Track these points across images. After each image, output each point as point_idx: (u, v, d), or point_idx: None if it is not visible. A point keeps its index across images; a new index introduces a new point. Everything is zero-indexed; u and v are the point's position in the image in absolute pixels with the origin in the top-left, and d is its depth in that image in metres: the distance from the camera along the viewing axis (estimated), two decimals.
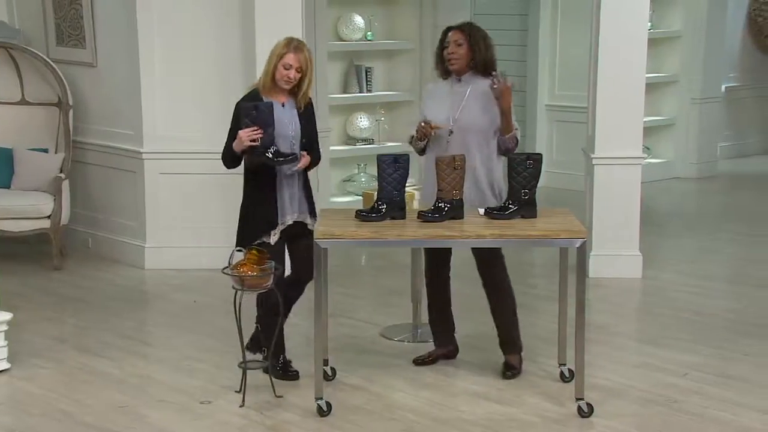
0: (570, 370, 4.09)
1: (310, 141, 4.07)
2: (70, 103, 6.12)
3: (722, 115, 9.04)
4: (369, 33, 7.18)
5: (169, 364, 4.40)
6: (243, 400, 3.94)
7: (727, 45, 9.00)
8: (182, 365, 4.38)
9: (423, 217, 3.91)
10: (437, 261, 4.28)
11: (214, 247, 5.69)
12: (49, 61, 6.19)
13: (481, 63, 4.11)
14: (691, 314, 5.05)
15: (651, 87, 7.67)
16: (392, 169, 3.91)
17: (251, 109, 3.87)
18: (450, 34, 4.15)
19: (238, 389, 3.99)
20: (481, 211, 4.00)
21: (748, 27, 9.49)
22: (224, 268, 3.92)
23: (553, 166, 7.99)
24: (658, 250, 6.17)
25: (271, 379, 4.00)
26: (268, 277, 3.88)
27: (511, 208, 3.92)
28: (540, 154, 4.01)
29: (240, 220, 4.08)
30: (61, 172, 6.02)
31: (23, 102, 6.29)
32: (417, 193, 5.02)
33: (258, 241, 3.96)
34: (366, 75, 7.21)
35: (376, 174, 3.99)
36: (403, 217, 3.94)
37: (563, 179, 7.86)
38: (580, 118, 6.09)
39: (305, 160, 4.02)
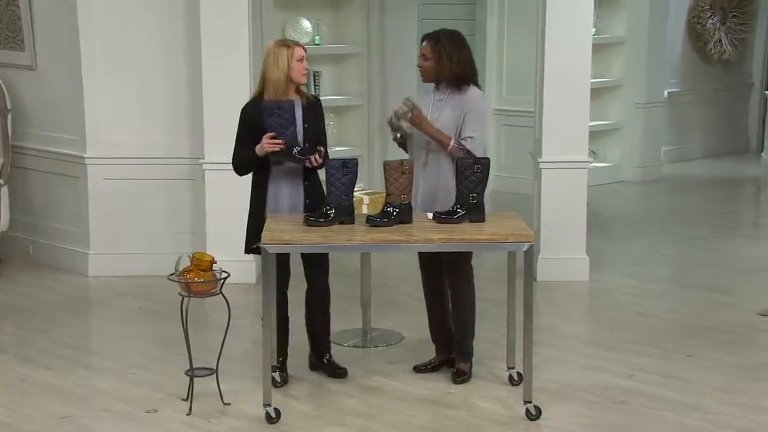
0: (518, 373, 4.13)
1: (317, 142, 4.06)
2: (9, 107, 5.98)
3: (665, 119, 9.24)
4: (317, 37, 7.17)
5: (113, 373, 4.33)
6: (190, 409, 3.89)
7: (669, 51, 9.21)
8: (127, 374, 4.31)
9: (371, 221, 3.91)
10: (429, 271, 4.26)
11: (159, 253, 5.61)
12: None
13: (449, 78, 4.07)
14: (636, 316, 5.14)
15: (596, 92, 7.80)
16: (341, 174, 3.91)
17: (274, 108, 3.93)
18: (423, 44, 4.12)
19: (185, 397, 3.94)
20: (430, 215, 4.02)
21: (687, 34, 9.72)
22: (170, 275, 3.87)
23: (501, 170, 8.07)
24: (604, 253, 6.27)
25: (218, 386, 3.96)
26: (215, 283, 3.84)
27: (459, 212, 3.95)
28: (488, 158, 4.04)
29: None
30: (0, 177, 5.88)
31: None
32: (366, 197, 5.02)
33: (254, 245, 3.98)
34: (314, 79, 7.19)
35: (325, 179, 3.98)
36: (352, 222, 3.94)
37: (511, 183, 7.93)
38: (527, 122, 6.16)
39: (321, 154, 4.00)
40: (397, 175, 3.91)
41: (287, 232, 3.84)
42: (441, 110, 4.11)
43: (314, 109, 4.14)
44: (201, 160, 5.61)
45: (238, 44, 5.50)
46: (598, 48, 7.67)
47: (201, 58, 5.52)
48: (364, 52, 7.35)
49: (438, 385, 4.17)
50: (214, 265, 3.86)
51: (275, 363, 4.14)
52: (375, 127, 7.50)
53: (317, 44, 7.16)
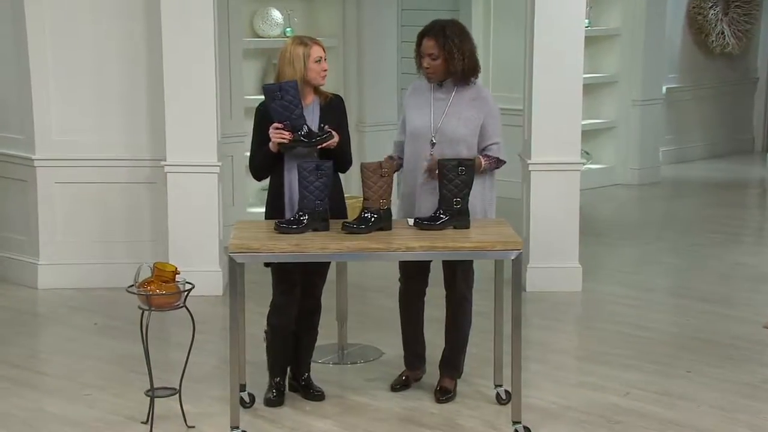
0: (507, 392, 4.18)
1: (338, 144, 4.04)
2: None
3: (663, 118, 9.34)
4: (288, 29, 7.20)
5: (65, 395, 4.32)
6: None
7: (667, 44, 9.32)
8: (81, 396, 4.31)
9: (347, 228, 3.94)
10: (410, 274, 4.26)
11: (117, 263, 5.62)
12: None
13: (460, 74, 4.09)
14: (632, 329, 5.21)
15: (589, 88, 7.90)
16: (314, 177, 3.93)
17: (275, 90, 3.92)
18: (424, 42, 4.11)
19: (145, 420, 3.96)
20: (411, 221, 4.06)
21: (687, 25, 9.85)
22: (129, 287, 3.88)
23: None
24: (598, 262, 6.34)
25: (182, 408, 3.97)
26: (178, 296, 3.86)
27: (442, 218, 3.99)
28: (472, 160, 4.09)
29: None
30: None
31: None
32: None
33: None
34: None
35: (298, 183, 4.01)
36: (327, 229, 3.96)
37: (498, 187, 8.00)
38: (515, 121, 6.22)
39: (337, 138, 3.98)
40: (376, 178, 3.95)
41: (256, 239, 3.87)
42: (452, 109, 4.11)
43: (333, 108, 4.10)
44: (162, 162, 5.63)
45: (202, 37, 5.52)
46: (591, 41, 7.77)
47: (162, 52, 5.54)
48: (340, 45, 7.39)
49: (420, 404, 4.21)
50: (176, 275, 3.88)
51: (244, 381, 4.17)
52: (352, 126, 7.52)
53: (288, 36, 7.19)
